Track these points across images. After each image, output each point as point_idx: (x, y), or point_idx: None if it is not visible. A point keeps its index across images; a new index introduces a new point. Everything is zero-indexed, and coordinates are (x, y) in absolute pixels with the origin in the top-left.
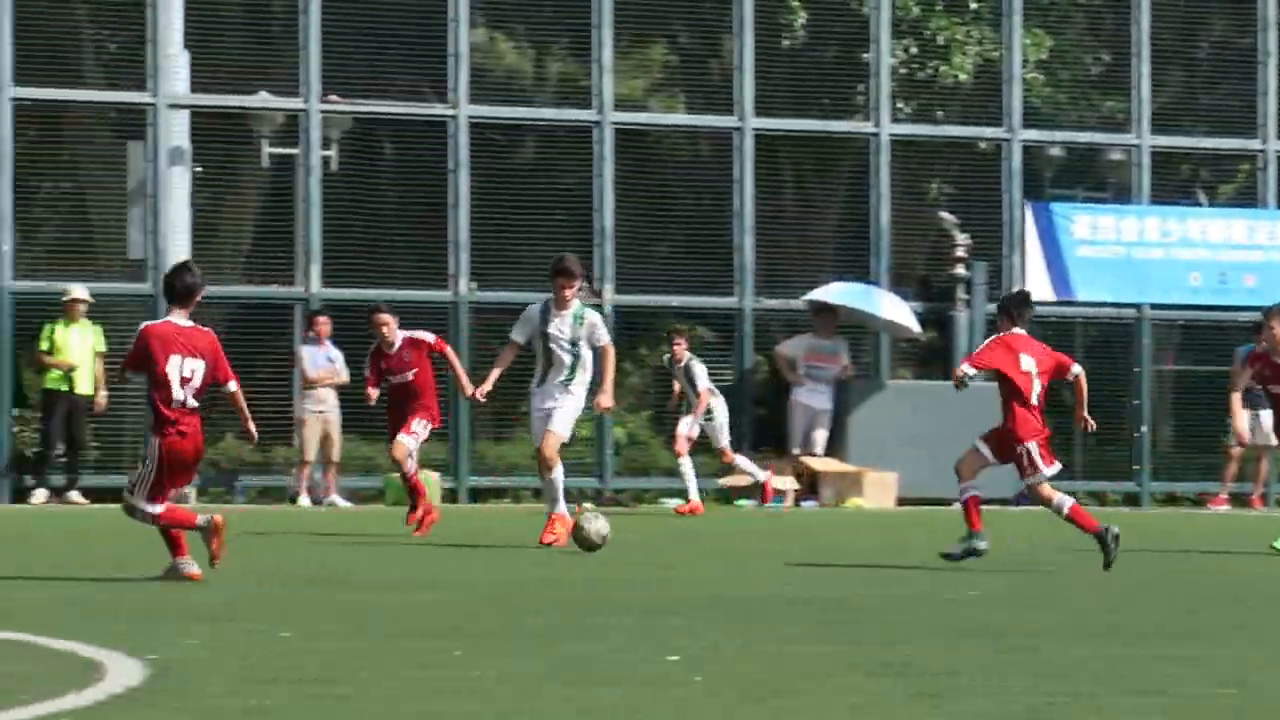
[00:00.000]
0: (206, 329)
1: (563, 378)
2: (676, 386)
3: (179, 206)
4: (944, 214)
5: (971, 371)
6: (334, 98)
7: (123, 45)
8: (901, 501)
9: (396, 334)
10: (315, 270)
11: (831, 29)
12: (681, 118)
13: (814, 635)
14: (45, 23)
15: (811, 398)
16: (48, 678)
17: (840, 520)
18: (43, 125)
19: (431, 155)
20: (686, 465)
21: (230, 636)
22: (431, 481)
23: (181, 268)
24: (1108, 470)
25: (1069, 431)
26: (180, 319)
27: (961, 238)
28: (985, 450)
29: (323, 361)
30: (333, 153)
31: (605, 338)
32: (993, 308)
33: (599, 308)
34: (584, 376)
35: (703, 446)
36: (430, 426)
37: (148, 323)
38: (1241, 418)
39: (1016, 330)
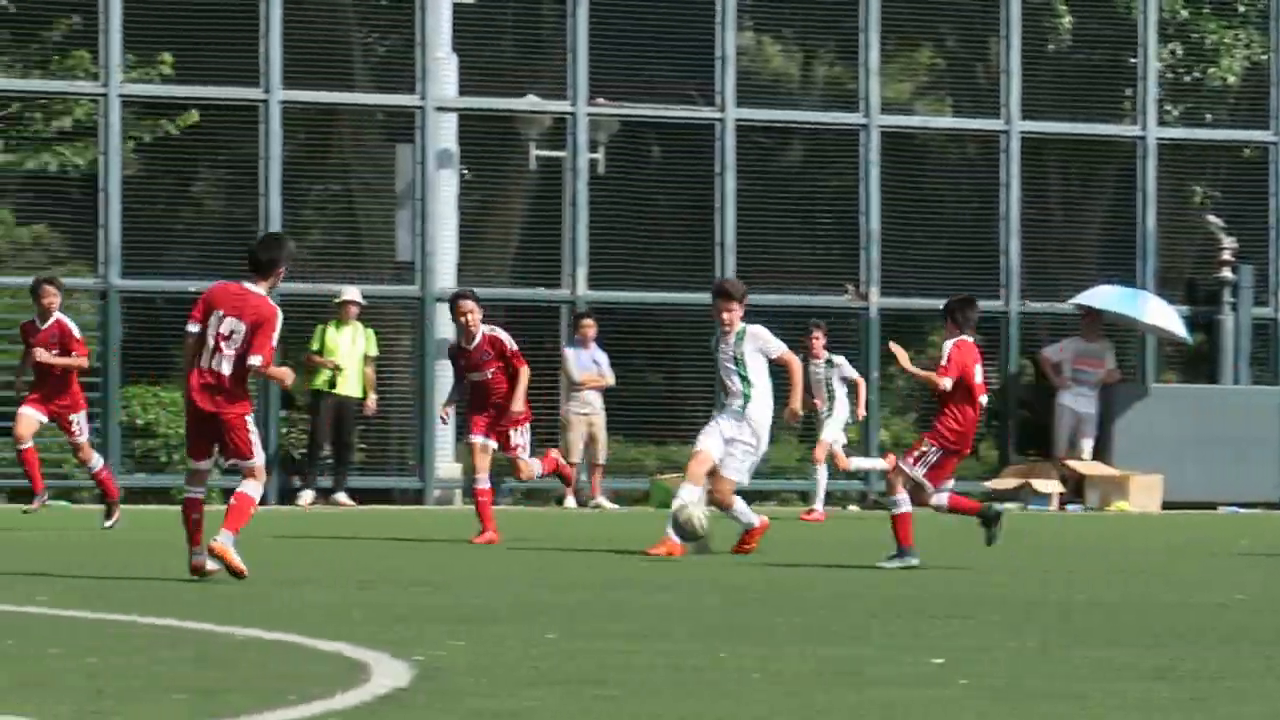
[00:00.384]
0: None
1: (738, 404)
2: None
3: (446, 209)
4: (1211, 217)
5: (949, 384)
6: (601, 101)
7: (391, 48)
8: (1167, 505)
9: (479, 327)
10: (581, 273)
11: (1098, 32)
12: (948, 121)
13: (1077, 639)
14: (314, 26)
15: (1076, 401)
16: (315, 678)
17: (1105, 524)
18: (311, 128)
19: (698, 158)
20: (822, 473)
21: (495, 638)
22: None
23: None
24: None
25: None
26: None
27: (1228, 241)
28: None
29: (588, 364)
30: (600, 155)
31: (777, 348)
32: (1262, 311)
33: (865, 309)
34: (760, 400)
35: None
36: (528, 434)
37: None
38: None
39: (964, 337)
